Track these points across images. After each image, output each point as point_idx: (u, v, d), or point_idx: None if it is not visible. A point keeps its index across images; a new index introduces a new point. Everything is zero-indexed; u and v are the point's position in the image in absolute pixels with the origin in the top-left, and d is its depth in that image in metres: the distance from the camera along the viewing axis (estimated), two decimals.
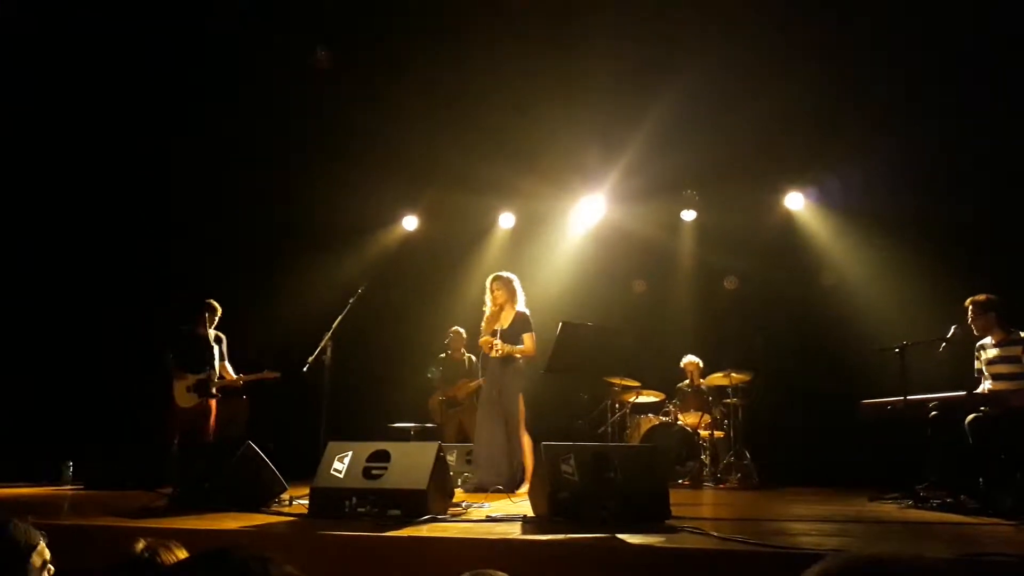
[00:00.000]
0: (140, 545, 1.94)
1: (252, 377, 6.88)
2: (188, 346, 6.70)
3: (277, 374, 6.86)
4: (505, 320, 6.11)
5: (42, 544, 1.93)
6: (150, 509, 4.33)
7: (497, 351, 5.98)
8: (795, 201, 8.70)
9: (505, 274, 6.26)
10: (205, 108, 7.99)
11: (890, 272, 7.67)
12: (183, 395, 6.61)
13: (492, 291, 6.16)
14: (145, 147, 8.10)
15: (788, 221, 8.73)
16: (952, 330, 5.39)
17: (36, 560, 1.89)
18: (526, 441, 5.95)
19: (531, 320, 6.17)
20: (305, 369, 5.76)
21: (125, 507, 4.35)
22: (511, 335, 6.03)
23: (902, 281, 7.46)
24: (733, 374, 7.53)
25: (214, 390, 6.64)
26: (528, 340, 6.03)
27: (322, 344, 5.78)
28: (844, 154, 7.77)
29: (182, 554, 1.96)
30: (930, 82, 7.04)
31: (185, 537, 2.57)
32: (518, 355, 6.05)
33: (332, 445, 4.27)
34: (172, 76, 7.70)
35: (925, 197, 7.45)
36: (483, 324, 6.24)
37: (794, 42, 7.00)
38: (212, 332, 6.82)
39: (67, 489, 6.43)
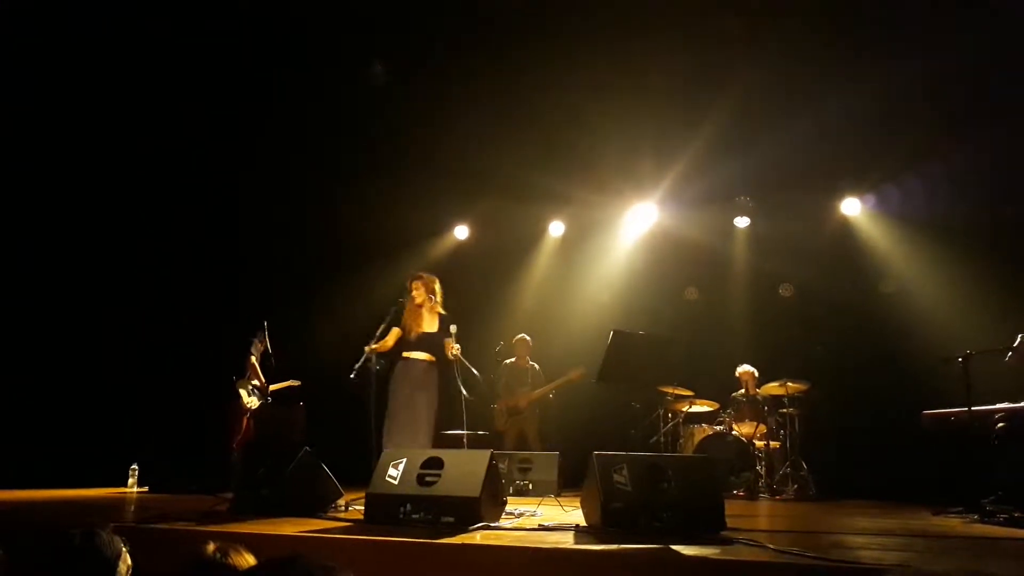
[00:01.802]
0: (211, 547, 2.02)
1: (277, 386, 7.44)
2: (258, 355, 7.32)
3: (298, 382, 7.53)
4: (430, 324, 6.01)
5: (124, 551, 2.02)
6: (213, 513, 4.46)
7: (454, 352, 5.83)
8: (852, 207, 8.53)
9: (426, 274, 6.16)
10: (263, 121, 8.23)
11: (953, 279, 7.44)
12: (248, 396, 7.10)
13: (411, 290, 6.04)
14: (208, 165, 8.39)
15: (845, 227, 8.56)
16: (1019, 339, 5.21)
17: (122, 567, 1.98)
18: None
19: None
20: (352, 376, 5.78)
21: (189, 511, 4.49)
22: (437, 338, 5.94)
23: (965, 288, 7.24)
24: (789, 383, 7.40)
25: (268, 397, 7.08)
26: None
27: (367, 353, 5.82)
28: (904, 160, 7.59)
29: (249, 557, 2.04)
30: (992, 87, 6.83)
31: (248, 541, 2.65)
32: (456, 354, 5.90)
33: (387, 452, 4.36)
34: (230, 90, 7.95)
35: (988, 202, 7.23)
36: (403, 322, 6.00)
37: (851, 47, 6.88)
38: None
39: (133, 492, 6.66)
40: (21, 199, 7.69)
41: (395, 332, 5.98)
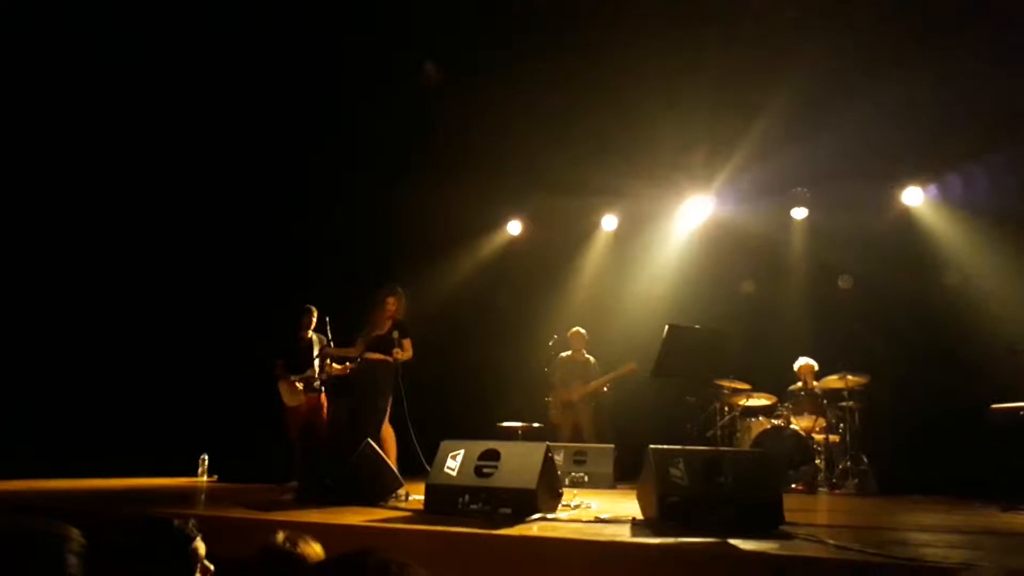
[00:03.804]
0: (280, 536, 2.12)
1: (339, 370, 7.36)
2: (292, 349, 7.22)
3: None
4: (386, 327, 6.71)
5: (199, 540, 2.12)
6: (278, 502, 4.61)
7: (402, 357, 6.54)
8: (914, 197, 8.31)
9: (401, 290, 6.86)
10: (320, 119, 8.41)
11: (1020, 269, 7.19)
12: (288, 394, 7.06)
13: (388, 304, 6.72)
14: (269, 167, 8.64)
15: (906, 217, 8.33)
16: None
17: (195, 557, 2.09)
18: (390, 433, 6.51)
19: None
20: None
21: (257, 500, 4.65)
22: (388, 339, 6.57)
23: None
24: (849, 376, 7.26)
25: (317, 385, 7.12)
26: (408, 345, 6.58)
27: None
28: (968, 148, 7.35)
29: (317, 546, 2.13)
30: None
31: (315, 530, 2.75)
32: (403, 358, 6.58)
33: (445, 444, 4.43)
34: (291, 93, 8.15)
35: None
36: (368, 329, 6.74)
37: (913, 31, 6.68)
38: (312, 335, 7.32)
39: (203, 481, 6.91)
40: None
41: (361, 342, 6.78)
